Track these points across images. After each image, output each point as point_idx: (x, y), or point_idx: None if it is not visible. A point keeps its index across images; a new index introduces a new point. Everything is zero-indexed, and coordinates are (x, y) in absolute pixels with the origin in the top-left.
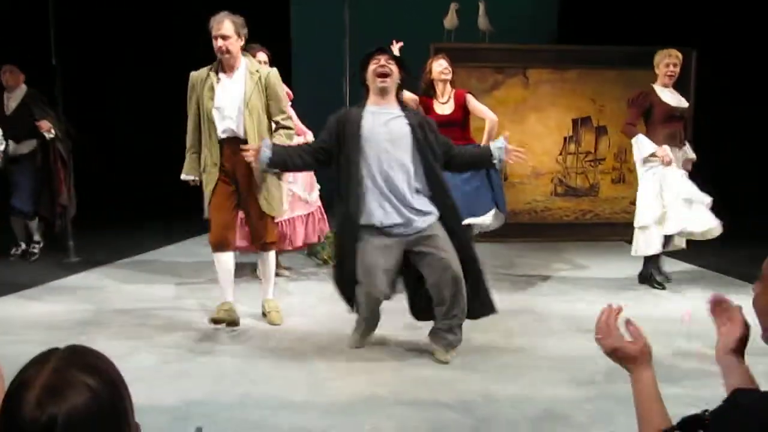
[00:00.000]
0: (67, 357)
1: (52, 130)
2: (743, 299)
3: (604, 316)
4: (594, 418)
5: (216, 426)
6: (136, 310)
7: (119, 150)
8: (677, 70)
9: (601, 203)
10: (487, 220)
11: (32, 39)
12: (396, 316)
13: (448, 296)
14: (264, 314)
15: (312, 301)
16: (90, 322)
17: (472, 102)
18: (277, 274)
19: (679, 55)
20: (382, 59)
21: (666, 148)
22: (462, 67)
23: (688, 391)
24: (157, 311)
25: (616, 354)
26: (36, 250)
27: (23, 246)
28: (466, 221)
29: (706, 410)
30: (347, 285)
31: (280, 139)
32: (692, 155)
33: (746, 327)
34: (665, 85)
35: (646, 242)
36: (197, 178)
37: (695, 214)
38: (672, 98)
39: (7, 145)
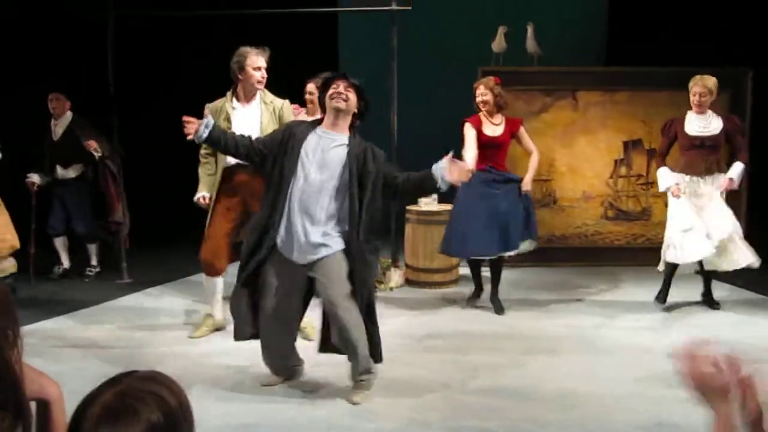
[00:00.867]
0: (136, 383)
1: (99, 149)
2: None
3: (694, 345)
4: None
5: None
6: (187, 331)
7: (171, 172)
8: (704, 99)
9: (653, 227)
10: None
11: (90, 68)
12: (441, 342)
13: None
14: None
15: None
16: (142, 343)
17: (523, 133)
18: None
19: (709, 83)
20: (342, 85)
21: (680, 179)
22: (510, 90)
23: None
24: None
25: (701, 383)
26: (92, 273)
27: (66, 265)
28: (499, 254)
29: None
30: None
31: None
32: (729, 174)
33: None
34: (698, 112)
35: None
36: (207, 194)
37: (697, 246)
38: (699, 126)
39: (54, 169)
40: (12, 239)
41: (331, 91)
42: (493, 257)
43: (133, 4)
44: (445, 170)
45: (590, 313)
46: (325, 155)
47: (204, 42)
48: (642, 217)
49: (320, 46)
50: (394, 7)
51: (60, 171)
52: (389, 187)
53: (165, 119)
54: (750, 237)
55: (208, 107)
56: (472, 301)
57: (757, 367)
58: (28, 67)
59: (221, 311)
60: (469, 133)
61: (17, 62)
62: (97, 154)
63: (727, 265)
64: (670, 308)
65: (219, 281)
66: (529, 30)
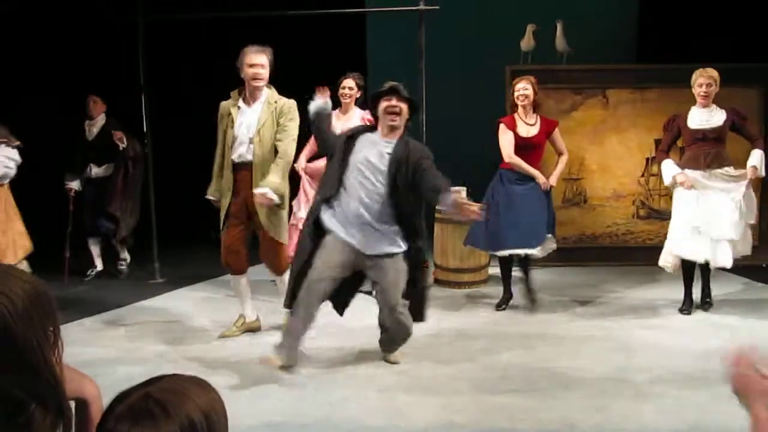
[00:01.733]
0: (167, 385)
1: (124, 139)
2: None
3: (741, 349)
4: None
5: None
6: (219, 329)
7: (202, 172)
8: (710, 90)
9: None
10: (539, 250)
11: (123, 70)
12: (470, 342)
13: (387, 325)
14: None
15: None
16: (174, 342)
17: (558, 134)
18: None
19: (714, 74)
20: (394, 99)
21: (685, 172)
22: (540, 88)
23: None
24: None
25: (743, 385)
26: (124, 266)
27: (99, 267)
28: (520, 251)
29: None
30: (296, 279)
31: (275, 168)
32: (749, 162)
33: None
34: (703, 105)
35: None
36: (218, 199)
37: (699, 246)
38: (701, 118)
39: (88, 168)
40: (28, 244)
41: (384, 104)
42: (522, 256)
43: (163, 8)
44: (449, 206)
45: (621, 313)
46: (377, 161)
47: (232, 44)
48: None
49: (348, 48)
50: (421, 6)
51: (94, 170)
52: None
53: (196, 121)
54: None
55: (222, 104)
56: (501, 306)
57: None
58: (60, 70)
59: (252, 310)
60: (505, 136)
61: (49, 65)
62: (121, 145)
63: (723, 260)
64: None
65: (243, 280)
66: (559, 28)
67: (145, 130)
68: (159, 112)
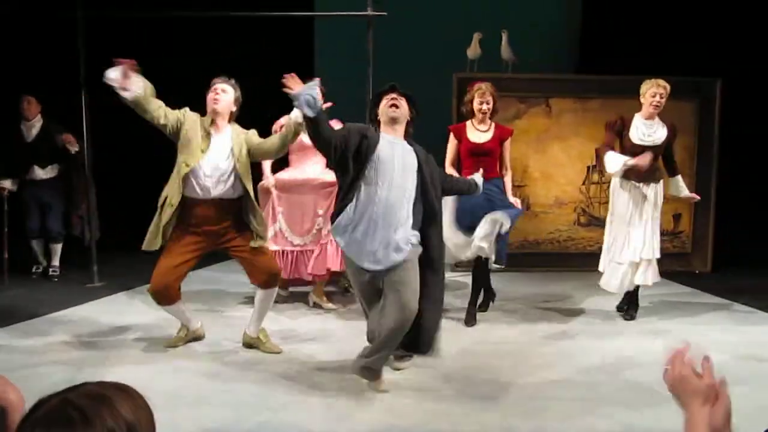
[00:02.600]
0: (87, 392)
1: (76, 144)
2: None
3: (680, 347)
4: None
5: None
6: (157, 337)
7: (144, 176)
8: (663, 101)
9: None
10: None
11: (61, 70)
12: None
13: (384, 331)
14: (248, 345)
15: (333, 328)
16: (112, 347)
17: (508, 145)
18: (318, 306)
19: (667, 86)
20: (394, 95)
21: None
22: None
23: None
24: None
25: (680, 384)
26: (56, 273)
27: (44, 264)
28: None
29: None
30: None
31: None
32: (683, 193)
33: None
34: (650, 116)
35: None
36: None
37: (620, 281)
38: (644, 133)
39: (30, 170)
40: None
41: (384, 101)
42: (481, 259)
43: (102, 5)
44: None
45: (562, 319)
46: (404, 160)
47: (176, 44)
48: None
49: (296, 51)
50: (369, 12)
51: (38, 172)
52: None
53: (137, 122)
54: (718, 240)
55: (188, 111)
56: (472, 309)
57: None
58: None
59: (195, 320)
60: (449, 145)
61: None
62: (73, 149)
63: (638, 279)
64: (647, 314)
65: (176, 305)
66: (504, 37)
67: (84, 130)
68: (98, 111)
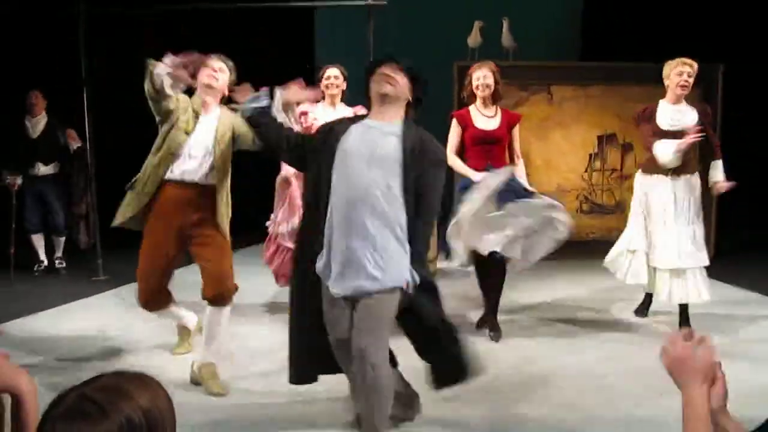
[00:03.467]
0: (103, 385)
1: (78, 140)
2: None
3: (682, 332)
4: None
5: None
6: (165, 326)
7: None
8: (691, 80)
9: (627, 221)
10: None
11: (63, 65)
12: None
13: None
14: (194, 381)
15: None
16: (116, 340)
17: (517, 132)
18: None
19: (694, 64)
20: (389, 68)
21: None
22: None
23: None
24: None
25: (679, 364)
26: (63, 265)
27: (45, 262)
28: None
29: None
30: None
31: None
32: (717, 178)
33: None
34: (677, 99)
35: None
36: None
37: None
38: (672, 118)
39: (34, 166)
40: None
41: (375, 75)
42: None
43: (105, 0)
44: None
45: (563, 306)
46: (374, 148)
47: (177, 37)
48: (616, 211)
49: (296, 42)
50: (369, 1)
51: (41, 168)
52: None
53: (139, 116)
54: (719, 235)
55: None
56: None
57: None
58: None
59: (192, 317)
60: (452, 132)
61: None
62: (76, 145)
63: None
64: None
65: (167, 309)
66: (505, 25)
67: (87, 125)
68: (100, 108)
